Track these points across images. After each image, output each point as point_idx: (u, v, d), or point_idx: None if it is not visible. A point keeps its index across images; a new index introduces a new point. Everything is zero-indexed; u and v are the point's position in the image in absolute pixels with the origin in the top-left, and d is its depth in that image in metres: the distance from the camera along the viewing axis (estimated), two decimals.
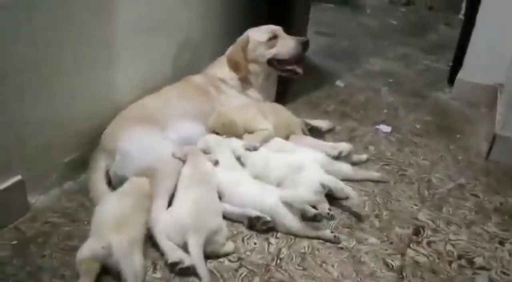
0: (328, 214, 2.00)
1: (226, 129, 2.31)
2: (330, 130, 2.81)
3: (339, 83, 3.57)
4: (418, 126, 2.99)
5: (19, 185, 1.90)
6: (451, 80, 3.55)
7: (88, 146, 2.17)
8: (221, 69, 2.58)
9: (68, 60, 2.02)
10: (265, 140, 2.28)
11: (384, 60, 4.16)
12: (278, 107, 2.60)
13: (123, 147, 2.05)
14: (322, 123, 2.81)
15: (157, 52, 2.58)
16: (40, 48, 1.88)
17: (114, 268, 1.63)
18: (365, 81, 3.65)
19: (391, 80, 3.70)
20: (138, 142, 2.06)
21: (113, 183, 2.07)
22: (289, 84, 3.07)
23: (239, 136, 2.29)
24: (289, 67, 2.60)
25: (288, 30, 2.67)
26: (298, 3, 3.31)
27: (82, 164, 2.15)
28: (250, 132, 2.31)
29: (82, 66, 2.10)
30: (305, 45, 2.59)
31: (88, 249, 1.66)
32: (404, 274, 1.80)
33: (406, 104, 3.28)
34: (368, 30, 5.07)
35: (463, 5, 5.69)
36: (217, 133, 2.31)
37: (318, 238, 1.93)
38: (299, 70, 2.61)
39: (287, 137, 2.46)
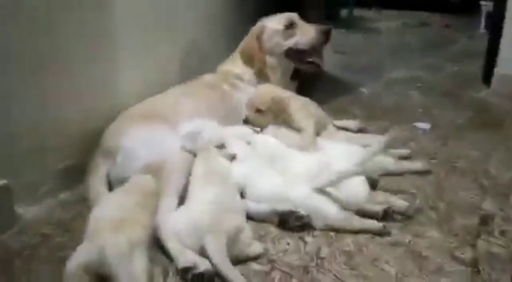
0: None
1: (275, 106, 2.08)
2: (360, 131, 2.49)
3: (363, 90, 3.28)
4: (460, 121, 2.66)
5: (4, 191, 1.60)
6: (486, 79, 3.26)
7: (86, 152, 1.87)
8: (234, 64, 2.32)
9: (60, 54, 1.79)
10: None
11: (408, 69, 3.87)
12: (313, 103, 2.33)
13: (125, 144, 1.77)
14: (351, 124, 2.50)
15: (162, 53, 2.34)
16: (27, 37, 1.64)
17: (113, 278, 1.29)
18: (391, 88, 3.35)
19: (419, 85, 3.39)
20: (142, 138, 1.78)
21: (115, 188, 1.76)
22: (309, 87, 2.79)
23: (280, 115, 2.08)
24: (309, 59, 2.31)
25: None
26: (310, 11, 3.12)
27: (79, 172, 1.84)
28: (287, 122, 2.09)
29: (77, 62, 1.86)
30: (327, 34, 2.30)
31: (79, 257, 1.33)
32: (481, 268, 1.42)
33: (442, 104, 2.96)
34: (386, 48, 4.82)
35: (483, 19, 5.51)
36: (259, 111, 2.07)
37: (362, 230, 1.58)
38: (320, 62, 2.32)
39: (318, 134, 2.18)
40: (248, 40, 2.30)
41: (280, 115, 2.09)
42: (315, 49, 2.31)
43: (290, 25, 2.29)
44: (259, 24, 2.33)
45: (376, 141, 1.93)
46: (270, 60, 2.30)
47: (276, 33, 2.28)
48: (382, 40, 5.26)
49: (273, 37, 2.28)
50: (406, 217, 1.68)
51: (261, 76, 2.30)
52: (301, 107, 2.15)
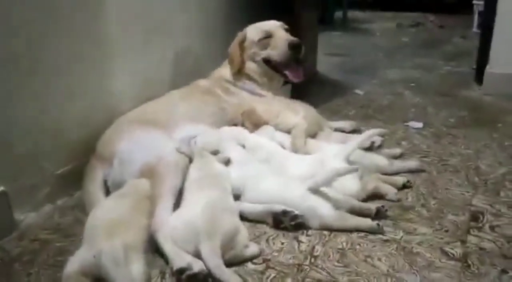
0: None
1: (245, 118, 2.13)
2: (354, 132, 2.53)
3: (357, 91, 3.31)
4: (452, 120, 2.70)
5: (1, 197, 1.63)
6: (479, 78, 3.29)
7: (83, 157, 1.91)
8: (227, 69, 2.36)
9: (56, 59, 1.82)
10: (306, 135, 2.09)
11: (401, 69, 3.93)
12: (305, 104, 2.35)
13: (121, 149, 1.80)
14: (345, 124, 2.54)
15: (157, 58, 2.37)
16: (21, 39, 1.68)
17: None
18: (385, 88, 3.40)
19: (413, 84, 3.44)
20: (138, 143, 1.81)
21: None
22: (302, 90, 2.82)
23: (260, 125, 2.12)
24: (284, 71, 2.33)
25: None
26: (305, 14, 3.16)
27: (77, 177, 1.86)
28: (279, 127, 2.14)
29: (72, 67, 1.89)
30: (295, 47, 2.26)
31: (76, 261, 1.36)
32: (470, 262, 1.45)
33: (435, 103, 3.00)
34: (380, 48, 4.87)
35: (475, 19, 5.55)
36: (235, 125, 2.14)
37: (357, 228, 1.61)
38: (291, 77, 2.32)
39: (314, 135, 2.22)
40: (233, 44, 2.35)
41: (260, 125, 2.13)
42: (287, 62, 2.30)
43: (265, 37, 2.31)
44: (242, 31, 2.37)
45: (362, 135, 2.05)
46: (251, 65, 2.35)
47: (252, 43, 2.33)
48: (377, 41, 5.31)
49: (251, 46, 2.33)
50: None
51: (239, 77, 2.34)
52: (281, 110, 2.20)
